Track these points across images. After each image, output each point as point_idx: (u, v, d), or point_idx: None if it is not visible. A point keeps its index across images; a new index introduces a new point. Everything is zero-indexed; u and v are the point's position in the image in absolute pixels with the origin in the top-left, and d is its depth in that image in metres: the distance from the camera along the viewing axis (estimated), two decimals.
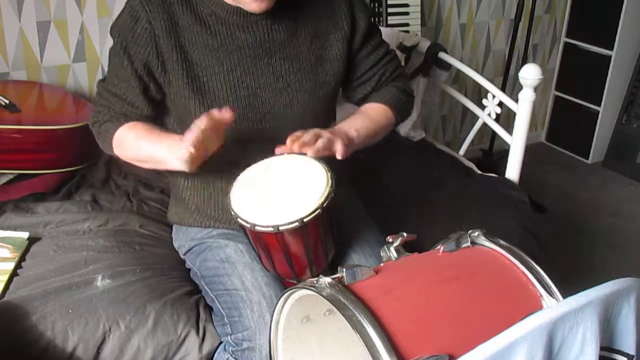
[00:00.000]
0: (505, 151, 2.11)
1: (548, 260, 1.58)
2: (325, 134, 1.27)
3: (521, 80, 1.97)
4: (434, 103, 2.59)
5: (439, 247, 1.15)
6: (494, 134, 2.98)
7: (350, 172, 1.56)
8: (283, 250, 1.23)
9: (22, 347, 1.29)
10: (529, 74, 1.95)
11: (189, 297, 1.45)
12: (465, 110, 3.27)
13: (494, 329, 0.92)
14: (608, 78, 3.32)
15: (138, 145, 1.35)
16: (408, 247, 1.18)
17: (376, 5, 2.61)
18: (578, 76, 3.48)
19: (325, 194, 1.20)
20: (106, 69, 1.44)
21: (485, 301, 1.06)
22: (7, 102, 1.87)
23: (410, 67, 2.38)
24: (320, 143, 1.24)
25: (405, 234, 1.17)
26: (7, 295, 1.39)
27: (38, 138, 1.82)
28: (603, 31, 3.29)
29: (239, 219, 1.21)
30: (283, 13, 1.35)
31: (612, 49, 3.27)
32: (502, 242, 1.16)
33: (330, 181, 1.22)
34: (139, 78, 1.34)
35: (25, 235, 1.58)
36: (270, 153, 1.30)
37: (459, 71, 2.62)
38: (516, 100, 2.01)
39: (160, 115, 1.44)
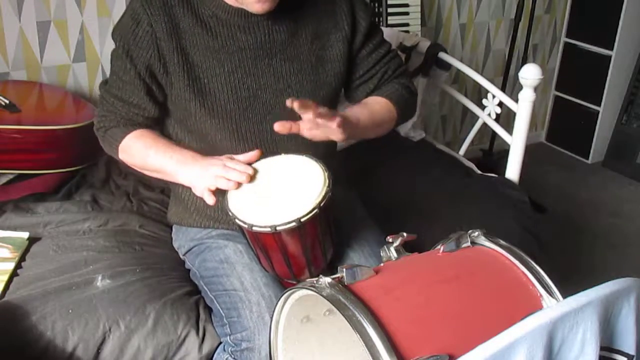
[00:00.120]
0: (505, 151, 2.11)
1: (548, 260, 1.57)
2: (324, 108, 1.22)
3: (521, 80, 1.97)
4: (434, 103, 2.59)
5: (439, 247, 1.15)
6: (494, 134, 2.98)
7: (350, 172, 1.56)
8: (281, 251, 1.23)
9: (22, 347, 1.29)
10: (529, 74, 1.95)
11: (188, 297, 1.45)
12: (465, 110, 3.28)
13: (494, 329, 0.92)
14: (608, 78, 3.32)
15: (146, 155, 1.36)
16: (408, 247, 1.18)
17: (376, 5, 2.61)
18: (578, 76, 3.48)
19: (323, 193, 1.20)
20: (106, 69, 1.45)
21: (485, 301, 1.06)
22: (7, 102, 1.87)
23: (410, 67, 2.38)
24: (322, 110, 1.19)
25: (405, 234, 1.17)
26: (7, 295, 1.39)
27: (38, 138, 1.82)
28: (603, 31, 3.29)
29: (236, 220, 1.22)
30: (284, 14, 1.35)
31: (612, 49, 3.27)
32: (502, 242, 1.16)
33: (327, 181, 1.22)
34: (142, 80, 1.35)
35: (25, 235, 1.58)
36: (271, 154, 1.30)
37: (459, 71, 2.62)
38: (516, 100, 2.01)
39: (164, 117, 1.44)
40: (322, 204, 1.19)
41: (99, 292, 1.40)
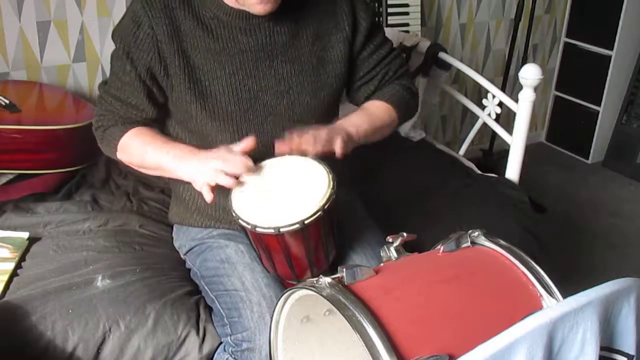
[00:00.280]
0: (505, 151, 2.11)
1: (548, 260, 1.57)
2: (324, 131, 1.27)
3: (521, 80, 1.97)
4: (434, 103, 2.59)
5: (439, 247, 1.15)
6: (494, 134, 2.98)
7: (351, 173, 1.56)
8: (284, 252, 1.23)
9: (22, 347, 1.29)
10: (529, 74, 1.95)
11: (189, 297, 1.45)
12: (465, 110, 3.28)
13: (494, 329, 0.92)
14: (608, 78, 3.32)
15: (144, 152, 1.35)
16: (408, 247, 1.18)
17: (376, 5, 2.61)
18: (578, 76, 3.48)
19: (327, 195, 1.20)
20: (106, 69, 1.45)
21: (485, 301, 1.06)
22: (7, 102, 1.87)
23: (410, 67, 2.38)
24: (319, 146, 1.24)
25: (405, 234, 1.17)
26: (7, 295, 1.39)
27: (38, 138, 1.82)
28: (603, 31, 3.29)
29: (239, 220, 1.21)
30: (285, 15, 1.35)
31: (612, 49, 3.27)
32: (502, 242, 1.16)
33: (331, 183, 1.22)
34: (142, 82, 1.34)
35: (25, 235, 1.58)
36: (272, 155, 1.30)
37: (459, 71, 2.62)
38: (516, 100, 2.01)
39: (163, 118, 1.44)
40: (326, 206, 1.19)
41: (99, 292, 1.40)
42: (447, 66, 2.36)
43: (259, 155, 1.30)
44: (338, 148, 1.27)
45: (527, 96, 1.97)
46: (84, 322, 1.33)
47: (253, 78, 1.36)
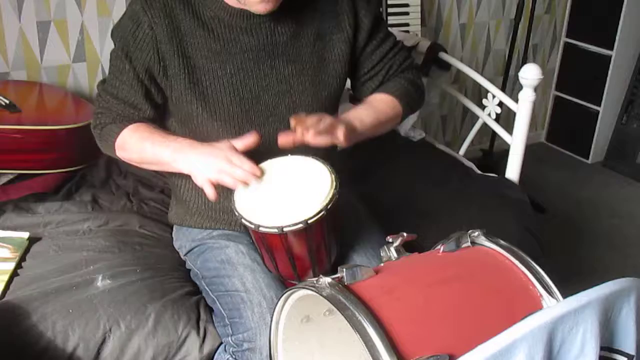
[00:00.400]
0: (505, 151, 2.11)
1: (548, 260, 1.58)
2: (328, 118, 1.25)
3: (521, 80, 1.97)
4: (434, 103, 2.59)
5: (439, 247, 1.15)
6: (494, 134, 2.98)
7: (351, 173, 1.56)
8: (286, 252, 1.23)
9: (22, 347, 1.29)
10: (529, 74, 1.95)
11: (189, 297, 1.45)
12: (465, 110, 3.28)
13: (494, 329, 0.92)
14: (608, 78, 3.32)
15: (142, 147, 1.34)
16: (408, 247, 1.18)
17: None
18: (578, 76, 3.48)
19: (330, 195, 1.20)
20: (106, 69, 1.44)
21: (485, 301, 1.06)
22: (7, 102, 1.87)
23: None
24: (322, 125, 1.22)
25: (405, 234, 1.17)
26: (7, 295, 1.39)
27: (38, 138, 1.82)
28: (603, 31, 3.29)
29: (243, 220, 1.21)
30: (286, 15, 1.35)
31: (612, 49, 3.27)
32: (502, 242, 1.16)
33: (334, 182, 1.22)
34: (140, 82, 1.34)
35: (25, 235, 1.58)
36: (274, 155, 1.30)
37: (459, 71, 2.62)
38: (516, 100, 2.01)
39: (161, 117, 1.43)
40: (329, 206, 1.19)
41: (99, 292, 1.40)
42: (447, 66, 2.36)
43: (261, 156, 1.30)
44: (341, 135, 1.25)
45: (527, 96, 1.97)
46: (84, 322, 1.33)
47: (254, 78, 1.36)
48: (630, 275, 1.05)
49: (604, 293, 0.98)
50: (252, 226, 1.20)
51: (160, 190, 1.90)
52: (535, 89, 1.97)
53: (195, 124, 1.37)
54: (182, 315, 1.39)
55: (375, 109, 1.42)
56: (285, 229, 1.17)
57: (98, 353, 1.32)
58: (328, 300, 0.96)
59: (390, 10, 2.65)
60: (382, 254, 1.17)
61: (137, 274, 1.47)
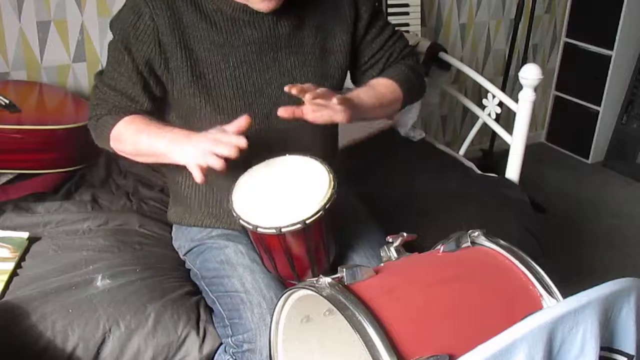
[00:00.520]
0: (505, 151, 2.11)
1: (548, 260, 1.58)
2: (326, 89, 1.23)
3: (521, 80, 1.97)
4: (434, 103, 2.59)
5: (439, 247, 1.15)
6: (494, 134, 2.98)
7: (351, 172, 1.56)
8: (285, 252, 1.23)
9: (21, 347, 1.29)
10: (529, 74, 1.95)
11: (189, 297, 1.44)
12: (465, 110, 3.28)
13: (494, 329, 0.92)
14: (608, 78, 3.32)
15: (138, 138, 1.32)
16: (408, 247, 1.18)
17: (376, 5, 2.61)
18: (578, 76, 3.48)
19: (328, 195, 1.20)
20: None
21: (485, 301, 1.06)
22: (7, 102, 1.87)
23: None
24: (320, 90, 1.20)
25: (405, 234, 1.17)
26: (7, 295, 1.39)
27: (38, 138, 1.82)
28: (603, 31, 3.29)
29: (240, 220, 1.21)
30: (288, 7, 1.34)
31: (612, 49, 3.27)
32: (502, 242, 1.16)
33: (332, 182, 1.22)
34: (139, 74, 1.33)
35: (25, 235, 1.58)
36: (276, 149, 1.29)
37: (459, 71, 2.62)
38: (516, 100, 2.01)
39: (159, 110, 1.41)
40: (327, 206, 1.18)
41: (99, 292, 1.40)
42: (447, 66, 2.36)
43: (264, 148, 1.29)
44: (336, 102, 1.21)
45: (527, 96, 1.97)
46: (83, 322, 1.33)
47: (257, 71, 1.35)
48: (630, 275, 1.05)
49: (604, 293, 0.98)
50: (250, 227, 1.20)
51: (160, 190, 1.90)
52: (535, 89, 1.97)
53: (198, 117, 1.36)
54: (182, 315, 1.39)
55: (374, 90, 1.42)
56: (283, 230, 1.17)
57: (98, 353, 1.32)
58: (328, 300, 0.96)
59: (390, 10, 2.65)
60: (382, 254, 1.17)
61: (136, 274, 1.47)
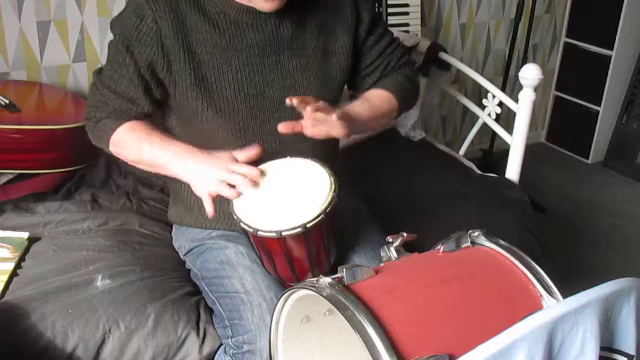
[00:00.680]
0: (505, 151, 2.11)
1: (548, 260, 1.58)
2: (326, 104, 1.25)
3: (521, 80, 1.97)
4: (434, 103, 2.59)
5: (439, 247, 1.15)
6: (494, 134, 2.98)
7: (351, 173, 1.56)
8: (285, 255, 1.23)
9: (21, 347, 1.29)
10: (529, 74, 1.95)
11: (189, 297, 1.44)
12: (465, 110, 3.28)
13: (494, 329, 0.92)
14: (608, 78, 3.32)
15: (139, 148, 1.33)
16: (408, 247, 1.18)
17: (376, 5, 2.61)
18: (578, 76, 3.48)
19: (329, 199, 1.19)
20: None
21: (485, 301, 1.06)
22: (7, 102, 1.87)
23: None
24: (320, 103, 1.22)
25: (405, 234, 1.17)
26: (7, 295, 1.39)
27: (38, 138, 1.82)
28: (603, 31, 3.29)
29: (241, 224, 1.21)
30: (290, 9, 1.34)
31: (612, 49, 3.27)
32: (502, 242, 1.16)
33: (333, 186, 1.21)
34: (141, 77, 1.32)
35: (25, 235, 1.58)
36: (277, 153, 1.29)
37: (459, 71, 2.62)
38: (516, 100, 2.01)
39: (158, 114, 1.42)
40: (328, 210, 1.18)
41: (99, 292, 1.40)
42: (447, 66, 2.36)
43: (265, 155, 1.29)
44: (335, 117, 1.24)
45: (527, 96, 1.96)
46: (83, 322, 1.33)
47: (260, 73, 1.35)
48: (630, 275, 1.05)
49: (604, 293, 0.98)
50: (251, 230, 1.19)
51: (160, 190, 1.90)
52: (535, 89, 1.97)
53: (199, 120, 1.36)
54: (182, 315, 1.39)
55: (370, 103, 1.43)
56: (283, 233, 1.17)
57: (97, 353, 1.32)
58: (328, 300, 0.96)
59: (390, 10, 2.65)
60: (382, 254, 1.17)
61: (136, 274, 1.47)
